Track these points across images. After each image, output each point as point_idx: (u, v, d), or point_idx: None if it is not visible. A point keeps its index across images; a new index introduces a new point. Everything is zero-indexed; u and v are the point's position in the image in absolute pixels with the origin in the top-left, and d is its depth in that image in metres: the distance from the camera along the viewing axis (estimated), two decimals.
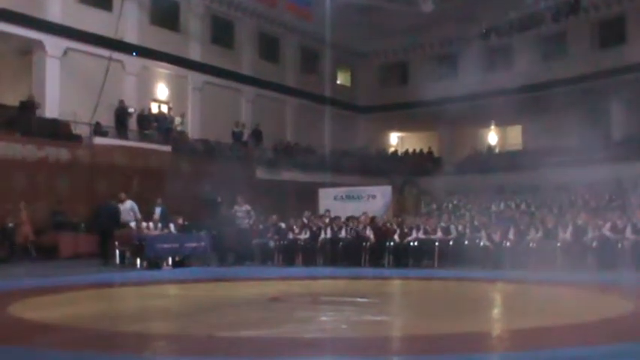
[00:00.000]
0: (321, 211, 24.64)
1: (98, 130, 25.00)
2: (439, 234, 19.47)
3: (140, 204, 21.26)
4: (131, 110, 26.61)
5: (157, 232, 19.71)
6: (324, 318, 9.61)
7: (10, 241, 20.84)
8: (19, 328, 8.74)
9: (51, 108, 24.85)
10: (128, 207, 20.71)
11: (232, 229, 21.14)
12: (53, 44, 25.42)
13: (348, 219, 21.26)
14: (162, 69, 30.34)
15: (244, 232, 21.19)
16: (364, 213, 21.69)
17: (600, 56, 31.95)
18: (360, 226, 20.39)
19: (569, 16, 32.02)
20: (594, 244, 17.10)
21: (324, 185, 28.35)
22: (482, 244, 18.46)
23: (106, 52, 26.24)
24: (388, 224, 20.56)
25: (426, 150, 39.06)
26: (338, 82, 41.06)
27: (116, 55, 26.87)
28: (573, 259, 16.93)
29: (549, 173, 28.21)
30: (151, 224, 19.75)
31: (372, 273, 17.99)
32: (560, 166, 28.81)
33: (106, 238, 20.20)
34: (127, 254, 19.59)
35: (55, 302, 11.66)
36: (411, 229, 19.82)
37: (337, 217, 21.77)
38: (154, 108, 29.67)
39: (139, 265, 18.90)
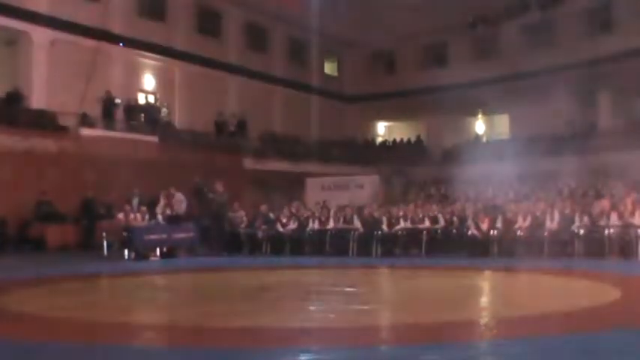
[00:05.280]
0: (309, 200, 24.67)
1: (85, 120, 24.90)
2: (427, 223, 19.53)
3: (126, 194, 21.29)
4: (118, 101, 26.49)
5: (144, 223, 19.66)
6: (312, 308, 9.64)
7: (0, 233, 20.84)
8: (6, 320, 8.72)
9: (37, 99, 24.72)
10: (178, 198, 20.88)
11: (215, 218, 21.25)
12: (39, 35, 25.25)
13: (338, 208, 21.29)
14: (149, 59, 30.23)
15: (222, 217, 21.29)
16: (350, 202, 21.72)
17: (587, 45, 31.97)
18: (348, 216, 20.40)
19: (556, 5, 32.10)
20: (581, 232, 17.20)
21: (311, 175, 28.35)
22: (470, 232, 18.54)
23: (92, 43, 26.11)
24: (375, 214, 20.56)
25: (413, 139, 39.03)
26: (325, 71, 41.00)
27: (103, 45, 26.75)
28: (561, 247, 17.07)
29: (536, 162, 28.29)
30: (138, 215, 19.69)
31: (360, 262, 18.02)
32: (548, 155, 28.88)
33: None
34: (115, 245, 19.54)
35: (43, 294, 11.62)
36: (398, 219, 19.87)
37: (325, 207, 21.80)
38: (141, 98, 29.56)
39: (126, 256, 18.84)
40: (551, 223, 17.76)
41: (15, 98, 23.56)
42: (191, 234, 20.10)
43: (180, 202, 20.87)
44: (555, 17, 33.54)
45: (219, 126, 31.24)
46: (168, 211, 20.51)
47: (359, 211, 20.97)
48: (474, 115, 38.46)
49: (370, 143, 40.42)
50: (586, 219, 17.49)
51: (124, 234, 18.97)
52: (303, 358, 6.30)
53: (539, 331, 7.41)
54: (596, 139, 30.20)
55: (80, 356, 6.60)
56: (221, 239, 21.18)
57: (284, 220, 20.99)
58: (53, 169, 22.72)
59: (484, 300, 11.15)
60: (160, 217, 20.16)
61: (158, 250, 19.51)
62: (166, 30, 30.66)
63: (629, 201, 17.63)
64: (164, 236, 19.61)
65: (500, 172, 25.40)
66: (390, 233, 19.59)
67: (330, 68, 41.82)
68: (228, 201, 21.79)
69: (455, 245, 18.95)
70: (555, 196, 21.95)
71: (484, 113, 38.35)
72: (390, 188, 29.10)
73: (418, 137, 39.01)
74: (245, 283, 13.62)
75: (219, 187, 21.55)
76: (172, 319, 8.88)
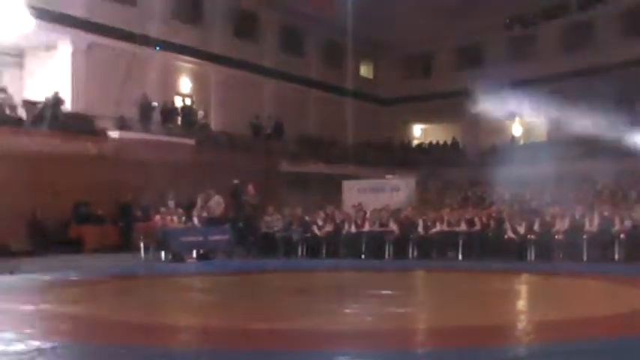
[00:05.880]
0: (345, 203, 24.64)
1: (122, 124, 25.10)
2: (463, 226, 19.39)
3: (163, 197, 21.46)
4: (154, 104, 26.70)
5: (181, 225, 19.78)
6: (348, 310, 9.60)
7: (40, 234, 21.07)
8: (45, 320, 8.79)
9: (76, 103, 24.98)
10: (216, 200, 21.02)
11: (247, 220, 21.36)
12: (77, 39, 25.54)
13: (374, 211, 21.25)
14: (185, 62, 30.41)
15: (254, 220, 21.40)
16: (386, 205, 21.66)
17: (627, 45, 31.55)
18: (384, 219, 20.31)
19: (595, 6, 31.71)
20: (621, 235, 16.94)
21: (347, 177, 28.30)
22: (507, 236, 18.37)
23: (129, 47, 26.33)
24: (411, 216, 20.46)
25: (449, 141, 38.81)
26: (361, 74, 40.94)
27: (139, 49, 26.96)
28: (600, 251, 16.84)
29: (574, 164, 27.98)
30: (174, 217, 19.81)
31: (396, 265, 17.95)
32: (585, 157, 28.54)
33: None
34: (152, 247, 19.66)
35: (84, 295, 11.73)
36: (434, 222, 19.76)
37: (361, 210, 21.77)
38: (178, 101, 29.76)
39: (163, 258, 18.97)
40: (591, 226, 17.52)
41: (54, 102, 23.83)
42: (227, 236, 20.16)
43: (219, 204, 20.97)
44: (594, 18, 33.17)
45: (256, 128, 31.34)
46: (204, 214, 20.61)
47: (395, 213, 20.89)
48: (511, 117, 38.12)
49: (406, 146, 40.28)
50: (627, 222, 17.22)
51: (161, 236, 19.08)
52: None
53: (578, 334, 7.31)
54: (636, 141, 29.74)
55: (120, 357, 6.63)
56: (255, 242, 21.26)
57: (320, 223, 20.95)
58: (91, 172, 22.92)
59: (522, 303, 11.03)
60: (196, 220, 20.25)
61: (195, 252, 19.59)
62: (202, 33, 30.82)
63: None
64: (200, 238, 19.70)
65: (538, 174, 25.18)
66: (426, 236, 19.49)
67: (365, 71, 41.75)
68: (260, 203, 21.85)
69: (492, 248, 18.78)
70: (594, 199, 21.68)
71: (521, 115, 37.99)
72: (426, 191, 28.97)
73: (454, 139, 38.77)
74: (281, 286, 13.63)
75: (250, 189, 21.64)
76: (208, 321, 8.89)
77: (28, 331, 7.61)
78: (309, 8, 33.49)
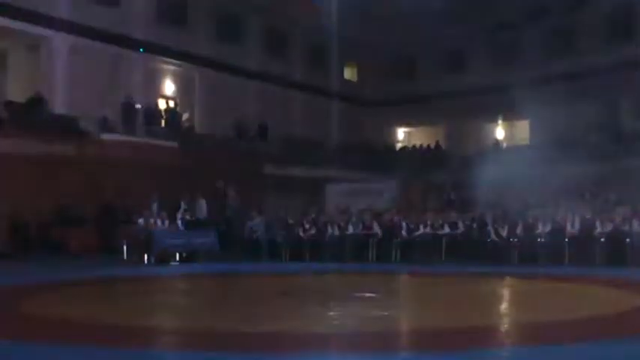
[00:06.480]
0: (329, 205, 24.65)
1: (105, 125, 24.99)
2: (446, 229, 19.46)
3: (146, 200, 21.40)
4: (138, 106, 26.60)
5: (164, 228, 19.73)
6: (332, 313, 9.61)
7: (22, 237, 20.96)
8: (30, 324, 8.75)
9: (58, 104, 24.87)
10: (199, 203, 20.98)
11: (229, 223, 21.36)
12: (61, 40, 25.42)
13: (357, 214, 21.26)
14: (169, 65, 30.33)
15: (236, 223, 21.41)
16: (370, 208, 21.69)
17: (610, 49, 31.78)
18: (367, 221, 20.34)
19: (577, 10, 31.95)
20: (602, 238, 17.06)
21: (331, 180, 28.31)
22: (489, 239, 18.46)
23: (113, 49, 26.24)
24: (394, 219, 20.50)
25: (433, 145, 38.89)
26: (345, 76, 40.95)
27: (123, 51, 26.88)
28: (582, 254, 16.94)
29: (557, 167, 28.13)
30: (158, 220, 19.76)
31: (379, 268, 17.97)
32: (568, 160, 28.70)
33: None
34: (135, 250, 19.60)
35: (66, 297, 11.68)
36: (418, 225, 19.82)
37: (344, 212, 21.80)
38: (161, 104, 29.67)
39: (146, 261, 18.90)
40: (572, 229, 17.64)
41: (37, 103, 23.72)
42: (211, 239, 20.13)
43: (202, 206, 20.96)
44: (577, 22, 33.37)
45: (240, 131, 31.30)
46: (188, 216, 20.58)
47: (378, 216, 20.93)
48: (494, 120, 38.31)
49: (390, 149, 40.30)
50: (608, 225, 17.35)
51: (144, 239, 19.04)
52: None
53: (561, 337, 7.35)
54: (618, 145, 29.97)
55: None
56: (237, 245, 21.24)
57: (307, 226, 20.91)
58: (74, 174, 22.82)
59: (504, 306, 11.08)
60: (179, 222, 20.21)
61: (178, 254, 19.55)
62: (187, 35, 30.74)
63: None
64: (184, 241, 19.66)
65: (521, 177, 25.28)
66: (409, 239, 19.53)
67: (349, 73, 41.76)
68: (243, 206, 21.85)
69: (475, 251, 18.86)
70: (576, 202, 21.82)
71: (504, 119, 38.19)
72: (409, 194, 29.03)
73: (437, 143, 38.87)
74: (264, 289, 13.62)
75: (232, 192, 21.63)
76: (190, 324, 8.88)
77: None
78: (293, 10, 33.48)
